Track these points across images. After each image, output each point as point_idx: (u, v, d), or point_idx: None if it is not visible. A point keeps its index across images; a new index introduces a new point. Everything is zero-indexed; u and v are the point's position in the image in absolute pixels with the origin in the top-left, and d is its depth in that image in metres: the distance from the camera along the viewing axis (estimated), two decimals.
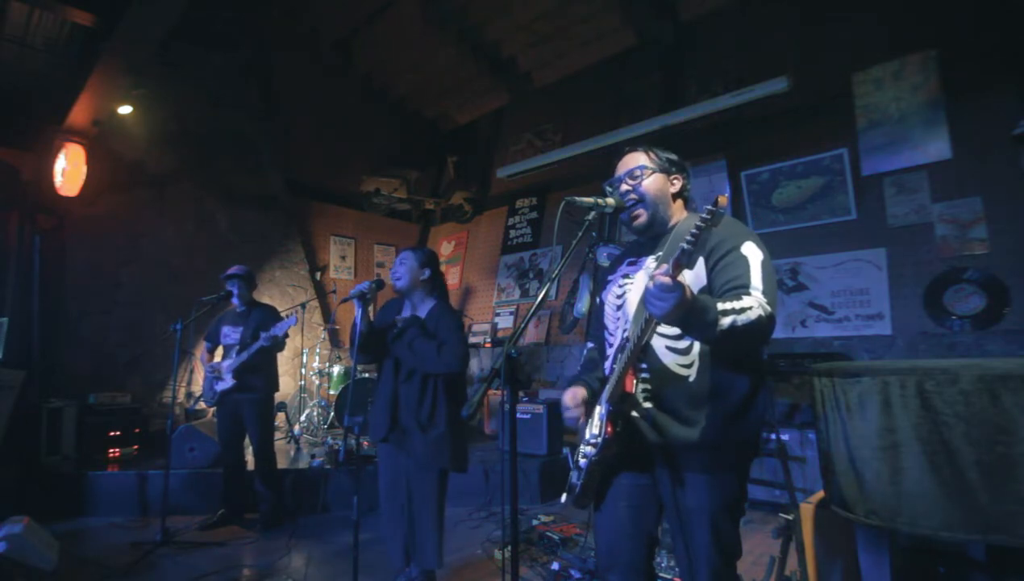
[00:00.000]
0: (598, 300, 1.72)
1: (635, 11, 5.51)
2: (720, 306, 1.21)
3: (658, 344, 1.44)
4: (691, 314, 1.16)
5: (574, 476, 1.52)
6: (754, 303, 1.25)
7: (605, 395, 1.44)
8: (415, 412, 2.43)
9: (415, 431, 2.42)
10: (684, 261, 1.10)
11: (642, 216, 1.55)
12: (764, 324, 1.25)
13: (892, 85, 4.24)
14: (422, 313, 2.55)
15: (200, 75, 5.92)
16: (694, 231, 1.09)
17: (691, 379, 1.40)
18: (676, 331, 1.42)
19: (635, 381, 1.41)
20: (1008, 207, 3.72)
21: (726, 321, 1.20)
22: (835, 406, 1.59)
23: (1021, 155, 3.65)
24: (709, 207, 1.08)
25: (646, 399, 1.43)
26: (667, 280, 1.09)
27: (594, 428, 1.47)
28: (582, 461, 1.49)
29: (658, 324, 1.41)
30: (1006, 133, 3.67)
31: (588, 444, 1.47)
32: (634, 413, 1.44)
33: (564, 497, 1.53)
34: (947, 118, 3.99)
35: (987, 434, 1.29)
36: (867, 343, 4.14)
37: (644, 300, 1.16)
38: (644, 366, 1.44)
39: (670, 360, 1.42)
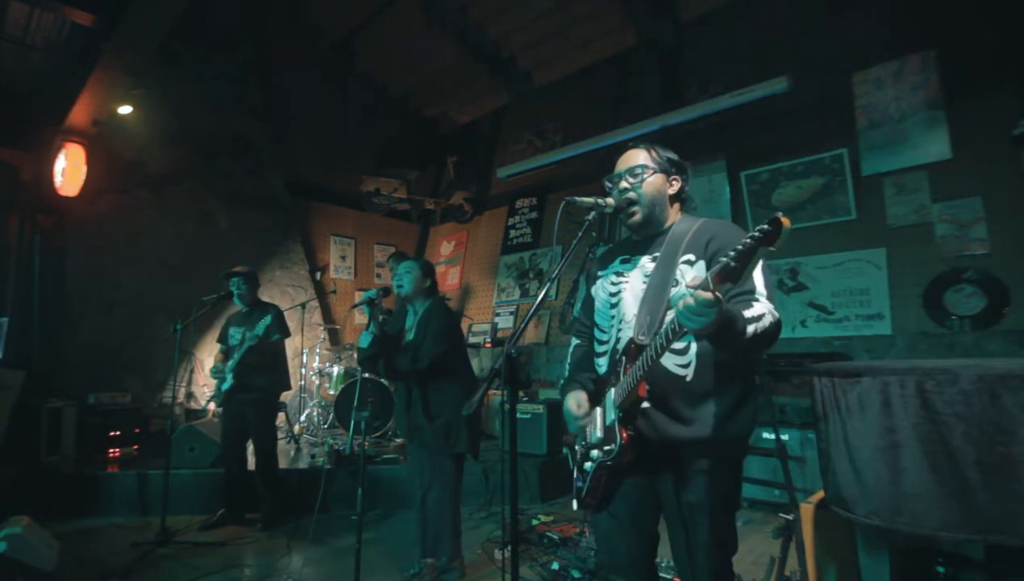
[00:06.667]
0: (590, 294, 1.72)
1: (635, 11, 5.51)
2: (744, 314, 1.23)
3: None
4: (723, 326, 1.16)
5: (579, 480, 1.51)
6: (765, 310, 1.28)
7: (615, 400, 1.43)
8: (422, 407, 2.72)
9: (425, 424, 2.70)
10: (726, 275, 1.04)
11: (637, 214, 1.56)
12: (774, 330, 1.28)
13: (892, 85, 4.24)
14: (420, 314, 2.85)
15: (200, 75, 5.92)
16: (740, 248, 1.01)
17: (688, 379, 1.42)
18: None
19: (647, 386, 1.40)
20: (1008, 207, 3.72)
21: (750, 329, 1.22)
22: (835, 406, 1.59)
23: (1021, 155, 3.65)
24: (765, 227, 0.98)
25: (646, 399, 1.43)
26: (710, 296, 1.06)
27: (599, 432, 1.46)
28: (587, 464, 1.47)
29: (684, 334, 1.38)
30: (1006, 133, 3.67)
31: (595, 448, 1.46)
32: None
33: (575, 504, 1.53)
34: (947, 118, 3.99)
35: (987, 434, 1.29)
36: (867, 343, 4.14)
37: (681, 315, 1.13)
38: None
39: (669, 362, 1.43)
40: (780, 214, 0.98)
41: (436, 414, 2.69)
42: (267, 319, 3.50)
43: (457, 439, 2.67)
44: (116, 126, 5.08)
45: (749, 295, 1.34)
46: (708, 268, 1.41)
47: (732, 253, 1.02)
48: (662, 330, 1.27)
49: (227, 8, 6.06)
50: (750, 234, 1.01)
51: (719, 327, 1.14)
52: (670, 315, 1.23)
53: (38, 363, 4.68)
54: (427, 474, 2.73)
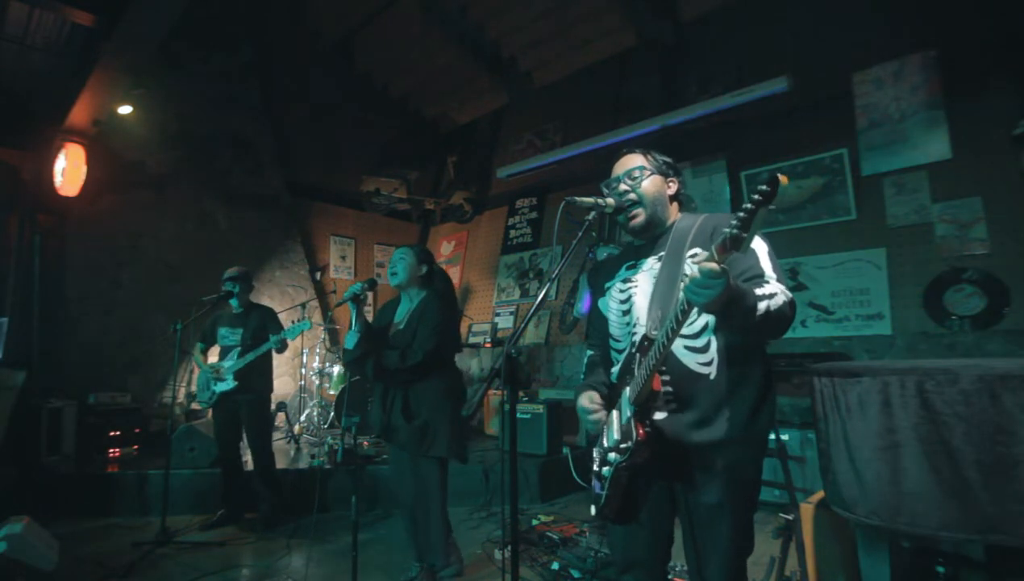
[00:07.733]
0: (598, 306, 1.68)
1: (635, 11, 5.50)
2: (755, 291, 1.21)
3: (676, 345, 1.40)
4: (732, 301, 1.13)
5: (597, 486, 1.46)
6: (777, 290, 1.25)
7: (630, 397, 1.39)
8: (401, 406, 2.54)
9: (402, 425, 2.52)
10: (732, 244, 1.02)
11: (640, 216, 1.53)
12: (788, 310, 1.25)
13: (892, 85, 4.24)
14: (415, 304, 2.65)
15: (200, 75, 5.92)
16: (742, 214, 0.99)
17: (712, 377, 1.38)
18: (694, 330, 1.41)
19: (661, 379, 1.37)
20: (1008, 207, 3.72)
21: (762, 306, 1.19)
22: (835, 406, 1.59)
23: (1021, 155, 3.65)
24: (764, 188, 0.96)
25: (668, 402, 1.40)
26: (714, 266, 1.05)
27: (615, 433, 1.42)
28: (605, 469, 1.43)
29: (691, 312, 1.34)
30: (1006, 133, 3.67)
31: (612, 451, 1.42)
32: (657, 415, 1.40)
33: (593, 510, 1.49)
34: (947, 118, 3.99)
35: (987, 434, 1.29)
36: (867, 343, 4.14)
37: (688, 290, 1.11)
38: (664, 369, 1.40)
39: (690, 360, 1.40)
40: (779, 173, 0.97)
41: (415, 413, 2.49)
42: (306, 324, 3.55)
43: (433, 441, 2.47)
44: (116, 126, 5.08)
45: (759, 278, 1.32)
46: None
47: (734, 221, 1.00)
48: (670, 314, 1.24)
49: (227, 8, 6.06)
50: (750, 198, 0.99)
51: (728, 302, 1.11)
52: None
53: (38, 363, 4.68)
54: (409, 479, 2.60)
